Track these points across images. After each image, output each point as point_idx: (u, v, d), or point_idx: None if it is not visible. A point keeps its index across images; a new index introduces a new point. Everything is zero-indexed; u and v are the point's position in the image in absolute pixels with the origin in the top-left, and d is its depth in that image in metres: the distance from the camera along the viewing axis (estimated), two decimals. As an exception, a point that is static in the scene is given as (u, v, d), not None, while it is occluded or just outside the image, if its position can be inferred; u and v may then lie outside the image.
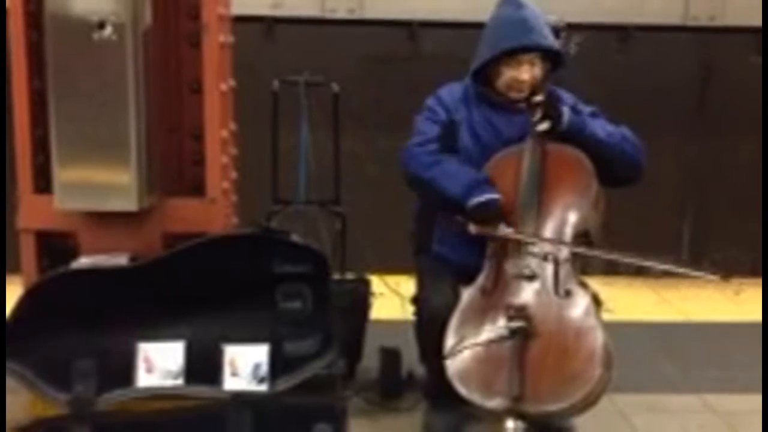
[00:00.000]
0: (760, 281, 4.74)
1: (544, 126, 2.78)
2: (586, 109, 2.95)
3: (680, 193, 5.15)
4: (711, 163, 5.10)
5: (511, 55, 2.84)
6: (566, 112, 2.80)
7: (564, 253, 2.68)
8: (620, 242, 4.78)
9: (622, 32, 4.96)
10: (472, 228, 2.71)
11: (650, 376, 3.47)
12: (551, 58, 2.90)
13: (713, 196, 5.11)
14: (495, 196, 2.73)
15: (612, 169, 2.82)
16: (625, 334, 3.73)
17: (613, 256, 2.76)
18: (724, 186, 5.05)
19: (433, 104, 2.96)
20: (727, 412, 3.14)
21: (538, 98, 2.80)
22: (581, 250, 2.70)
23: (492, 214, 2.72)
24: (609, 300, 4.16)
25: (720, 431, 3.04)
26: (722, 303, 4.65)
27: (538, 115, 2.79)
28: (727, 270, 4.88)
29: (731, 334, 3.86)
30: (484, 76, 2.92)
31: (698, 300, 4.69)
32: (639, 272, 5.03)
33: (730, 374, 3.41)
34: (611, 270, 4.92)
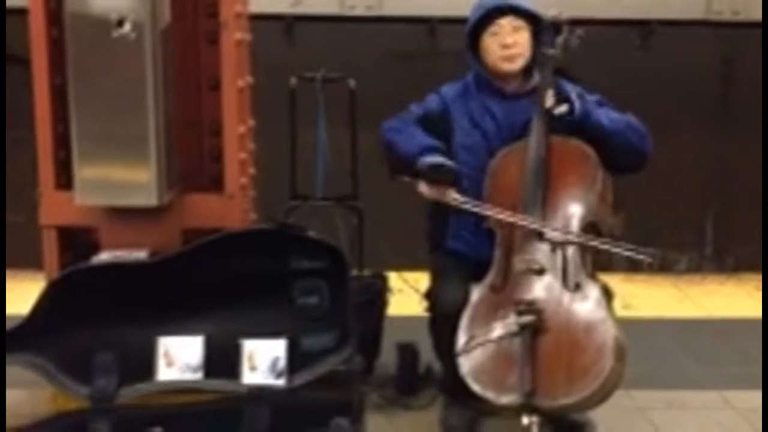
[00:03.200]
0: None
1: (562, 109, 2.76)
2: (591, 98, 2.93)
3: (703, 190, 5.11)
4: (734, 159, 5.06)
5: (491, 21, 2.85)
6: (574, 97, 2.78)
7: (572, 246, 2.67)
8: (642, 238, 4.80)
9: (644, 27, 4.93)
10: (422, 187, 2.75)
11: (670, 372, 3.46)
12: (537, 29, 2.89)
13: (736, 192, 5.07)
14: (449, 162, 2.77)
15: (616, 157, 2.80)
16: (646, 330, 3.75)
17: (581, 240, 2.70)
18: (747, 182, 5.00)
19: (430, 95, 3.03)
20: (747, 408, 3.12)
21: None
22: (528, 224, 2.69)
23: (443, 176, 2.75)
24: (630, 296, 4.19)
25: (740, 428, 3.02)
26: (743, 299, 4.61)
27: (550, 99, 2.77)
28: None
29: (752, 331, 3.82)
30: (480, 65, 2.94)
31: (719, 296, 4.66)
32: (661, 268, 5.00)
33: (750, 370, 3.37)
34: (633, 266, 4.89)
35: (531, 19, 2.88)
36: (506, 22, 2.86)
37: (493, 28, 2.87)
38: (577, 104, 2.77)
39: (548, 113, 2.77)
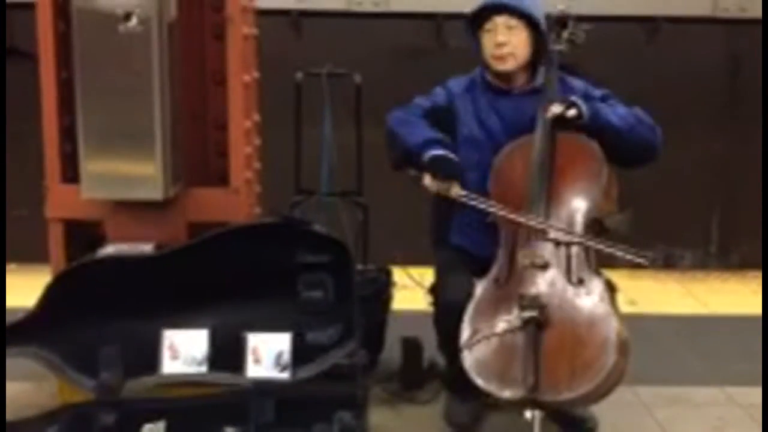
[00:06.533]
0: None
1: (572, 112, 2.76)
2: (598, 92, 2.94)
3: (709, 186, 5.12)
4: (740, 156, 5.06)
5: (487, 18, 2.86)
6: (581, 103, 2.78)
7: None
8: (648, 234, 4.81)
9: (650, 24, 4.93)
10: (426, 180, 2.75)
11: (674, 369, 3.47)
12: (538, 41, 2.89)
13: (742, 189, 5.07)
14: (453, 155, 2.76)
15: (627, 153, 2.81)
16: (651, 327, 3.76)
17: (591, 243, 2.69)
18: (753, 179, 4.99)
19: (437, 89, 3.03)
20: (750, 404, 3.13)
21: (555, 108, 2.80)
22: (539, 224, 2.69)
23: (447, 170, 2.75)
24: (635, 293, 4.19)
25: (742, 423, 3.03)
26: (747, 296, 4.61)
27: (558, 107, 2.77)
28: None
29: (756, 328, 3.82)
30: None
31: (724, 293, 4.66)
32: (666, 265, 5.00)
33: (753, 367, 3.38)
34: (638, 263, 4.89)
35: (528, 19, 2.87)
36: (501, 21, 2.85)
37: (488, 25, 2.88)
38: (585, 108, 2.77)
39: (558, 119, 2.78)
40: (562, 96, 2.82)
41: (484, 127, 2.93)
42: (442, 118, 2.94)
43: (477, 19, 2.90)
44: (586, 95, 2.89)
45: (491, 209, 2.75)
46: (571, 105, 2.77)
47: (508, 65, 2.89)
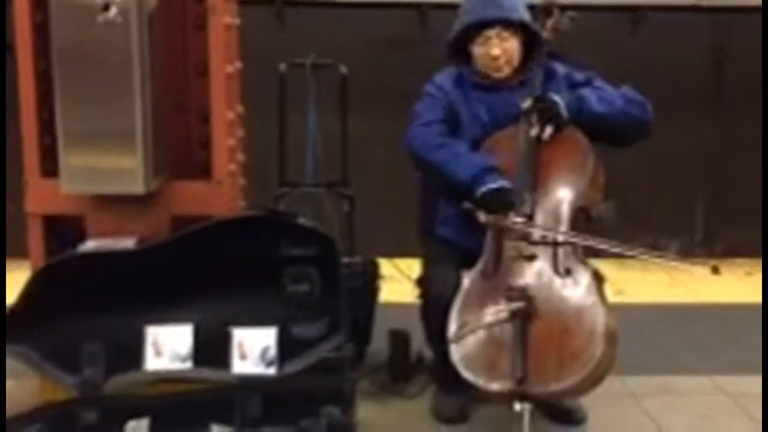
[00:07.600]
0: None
1: (549, 131, 2.76)
2: (581, 76, 2.92)
3: (694, 175, 5.12)
4: (725, 145, 5.06)
5: (479, 30, 2.83)
6: (560, 102, 2.76)
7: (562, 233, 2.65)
8: (634, 223, 4.81)
9: (635, 13, 4.92)
10: (482, 216, 2.67)
11: (662, 358, 3.47)
12: (529, 33, 2.88)
13: (727, 177, 5.07)
14: (507, 184, 2.69)
15: (619, 134, 2.81)
16: (638, 317, 3.74)
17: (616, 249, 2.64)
18: (738, 167, 5.01)
19: (431, 90, 2.96)
20: (738, 393, 3.13)
21: (527, 104, 2.78)
22: (594, 244, 2.63)
23: (503, 202, 2.67)
24: (623, 282, 4.19)
25: (730, 412, 3.03)
26: (734, 285, 4.62)
27: (535, 121, 2.76)
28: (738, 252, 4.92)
29: (743, 316, 3.84)
30: (466, 56, 2.91)
31: (711, 282, 4.64)
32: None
33: (741, 356, 3.39)
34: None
35: (518, 25, 2.85)
36: (493, 34, 2.84)
37: (480, 39, 2.85)
38: (564, 111, 2.75)
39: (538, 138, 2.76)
40: (541, 96, 2.79)
41: (478, 122, 2.90)
42: (449, 117, 2.91)
43: (467, 35, 2.87)
44: (569, 81, 2.88)
45: (560, 237, 2.65)
46: (548, 118, 2.74)
47: (505, 72, 2.89)
